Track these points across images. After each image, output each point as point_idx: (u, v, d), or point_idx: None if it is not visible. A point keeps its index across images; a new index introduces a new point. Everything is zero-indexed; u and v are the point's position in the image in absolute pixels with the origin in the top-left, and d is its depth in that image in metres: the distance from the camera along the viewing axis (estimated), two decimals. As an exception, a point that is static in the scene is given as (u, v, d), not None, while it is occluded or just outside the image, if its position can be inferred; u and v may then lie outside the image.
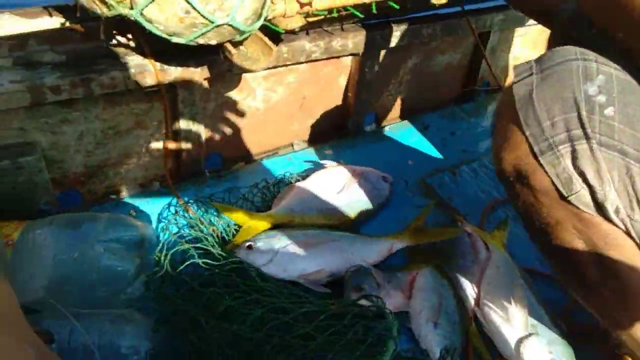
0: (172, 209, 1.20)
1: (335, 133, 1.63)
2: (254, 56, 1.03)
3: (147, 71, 1.12)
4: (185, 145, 1.32)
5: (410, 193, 1.46)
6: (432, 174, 1.53)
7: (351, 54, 1.46)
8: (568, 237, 0.77)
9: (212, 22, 0.87)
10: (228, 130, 1.40)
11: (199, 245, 1.04)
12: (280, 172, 1.42)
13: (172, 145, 1.31)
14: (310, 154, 1.54)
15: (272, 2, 1.07)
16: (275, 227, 1.21)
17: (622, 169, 0.71)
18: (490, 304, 1.09)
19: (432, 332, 1.03)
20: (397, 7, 1.24)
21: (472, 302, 1.13)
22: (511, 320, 1.03)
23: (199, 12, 0.85)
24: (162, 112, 1.23)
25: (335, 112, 1.60)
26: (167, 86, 1.18)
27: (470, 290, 1.16)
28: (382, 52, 1.54)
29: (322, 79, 1.49)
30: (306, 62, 1.38)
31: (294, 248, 1.12)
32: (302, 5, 1.11)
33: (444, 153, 1.63)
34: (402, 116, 1.76)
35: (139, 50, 1.12)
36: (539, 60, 0.79)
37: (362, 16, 1.24)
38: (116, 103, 1.17)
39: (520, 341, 1.01)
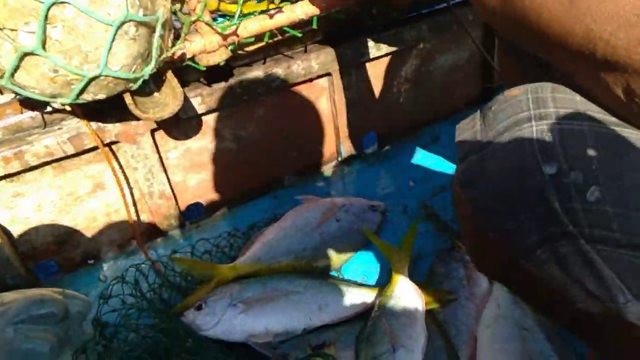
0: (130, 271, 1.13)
1: (329, 161, 1.49)
2: (165, 101, 0.95)
3: (83, 133, 1.08)
4: (153, 200, 1.26)
5: (409, 219, 1.27)
6: (437, 193, 1.32)
7: (322, 75, 1.33)
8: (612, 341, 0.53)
9: (84, 76, 0.80)
10: (200, 178, 1.33)
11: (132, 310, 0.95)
12: (265, 214, 1.31)
13: (140, 202, 1.26)
14: (301, 188, 1.41)
15: (187, 40, 0.99)
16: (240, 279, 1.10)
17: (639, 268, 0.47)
18: (488, 356, 0.88)
19: None
20: (299, 34, 1.13)
21: (467, 351, 0.92)
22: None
23: (65, 69, 0.78)
24: (119, 170, 1.19)
25: (324, 139, 1.46)
26: (112, 144, 1.14)
27: (463, 335, 0.95)
28: (364, 66, 1.39)
29: (297, 107, 1.36)
30: (268, 93, 1.27)
31: (246, 305, 0.99)
32: (224, 37, 1.01)
33: (452, 164, 1.41)
34: (410, 130, 1.57)
35: (73, 112, 1.09)
36: (483, 122, 0.57)
37: (300, 34, 1.11)
38: (67, 169, 1.15)
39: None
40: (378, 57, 1.36)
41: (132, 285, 1.01)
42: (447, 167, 1.41)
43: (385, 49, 1.35)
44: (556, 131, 0.49)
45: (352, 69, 1.34)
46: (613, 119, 0.49)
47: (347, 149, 1.47)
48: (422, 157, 1.46)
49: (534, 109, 0.52)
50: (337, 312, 1.01)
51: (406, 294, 0.98)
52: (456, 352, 0.92)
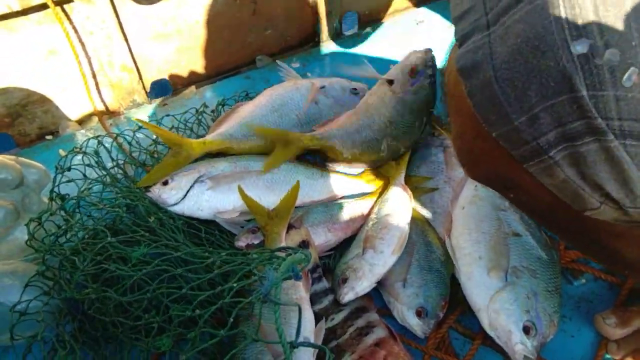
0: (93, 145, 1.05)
1: (307, 42, 1.40)
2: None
3: (29, -14, 0.96)
4: (114, 73, 1.16)
5: (388, 104, 1.21)
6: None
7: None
8: (606, 243, 0.49)
9: None
10: (166, 51, 1.22)
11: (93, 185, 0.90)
12: (236, 94, 1.23)
13: (100, 73, 1.16)
14: (275, 70, 1.32)
15: None
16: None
17: None
18: (461, 237, 0.86)
19: (401, 293, 0.81)
20: None
21: (443, 232, 0.91)
22: (484, 261, 0.80)
23: None
24: (74, 35, 1.08)
25: (301, 16, 1.35)
26: (64, 2, 1.02)
27: (439, 217, 0.93)
28: None
29: (272, -24, 1.24)
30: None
31: (214, 182, 0.95)
32: None
33: (441, 51, 1.33)
34: (392, 12, 1.47)
35: (16, -39, 0.95)
36: None
37: None
38: (13, 30, 1.03)
39: (491, 292, 0.76)
40: None
41: (94, 158, 0.95)
42: (430, 52, 1.34)
43: None
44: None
45: None
46: None
47: (325, 29, 1.37)
48: (404, 42, 1.37)
49: None
50: (311, 195, 0.97)
51: (394, 201, 0.93)
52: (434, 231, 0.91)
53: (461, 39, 0.44)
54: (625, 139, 0.37)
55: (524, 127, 0.40)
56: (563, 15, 0.37)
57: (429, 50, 1.07)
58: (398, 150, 1.02)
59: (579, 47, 0.37)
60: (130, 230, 0.80)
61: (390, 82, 1.05)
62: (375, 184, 1.01)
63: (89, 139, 0.97)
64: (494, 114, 0.41)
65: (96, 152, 0.95)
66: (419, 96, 1.04)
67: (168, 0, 1.14)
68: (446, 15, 1.42)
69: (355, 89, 1.18)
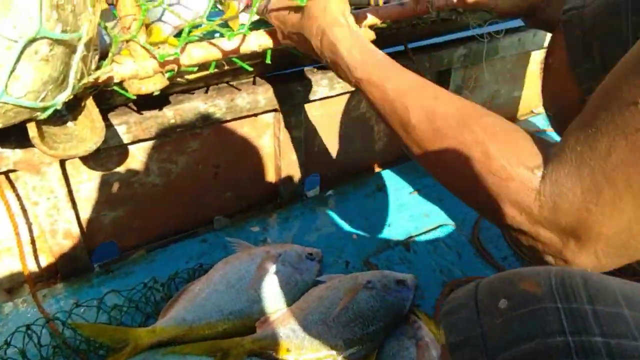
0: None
1: (267, 203, 1.36)
2: (82, 135, 0.77)
3: (-29, 157, 0.88)
4: (55, 240, 1.05)
5: (352, 278, 1.16)
6: (381, 250, 1.23)
7: (268, 111, 1.20)
8: None
9: (-27, 102, 0.62)
10: (115, 215, 1.14)
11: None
12: (189, 261, 1.15)
13: (39, 240, 1.06)
14: (233, 232, 1.26)
15: (115, 61, 0.82)
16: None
17: None
18: None
19: None
20: (250, 69, 0.96)
21: None
22: None
23: (-53, 91, 0.60)
24: (14, 203, 0.98)
25: (263, 179, 1.32)
26: (9, 172, 0.94)
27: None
28: (313, 105, 1.27)
29: (237, 143, 1.22)
30: (206, 126, 1.12)
31: (160, 386, 0.83)
32: (162, 64, 0.86)
33: (400, 220, 1.33)
34: (354, 176, 1.47)
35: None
36: (485, 318, 0.40)
37: (251, 69, 0.97)
38: (-55, 198, 0.93)
39: None
40: (330, 96, 1.26)
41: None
42: (391, 220, 1.32)
43: (339, 88, 1.25)
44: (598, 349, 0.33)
45: (301, 106, 1.23)
46: None
47: (287, 191, 1.34)
48: (366, 207, 1.36)
49: (572, 334, 0.35)
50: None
51: None
52: None
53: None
54: None
55: None
56: None
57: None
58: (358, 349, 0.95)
59: None
60: None
61: (369, 282, 1.00)
62: (339, 384, 0.91)
63: (15, 331, 0.84)
64: None
65: (22, 354, 0.81)
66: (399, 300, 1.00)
67: (127, 166, 1.09)
68: (407, 180, 1.44)
69: (310, 253, 1.14)
